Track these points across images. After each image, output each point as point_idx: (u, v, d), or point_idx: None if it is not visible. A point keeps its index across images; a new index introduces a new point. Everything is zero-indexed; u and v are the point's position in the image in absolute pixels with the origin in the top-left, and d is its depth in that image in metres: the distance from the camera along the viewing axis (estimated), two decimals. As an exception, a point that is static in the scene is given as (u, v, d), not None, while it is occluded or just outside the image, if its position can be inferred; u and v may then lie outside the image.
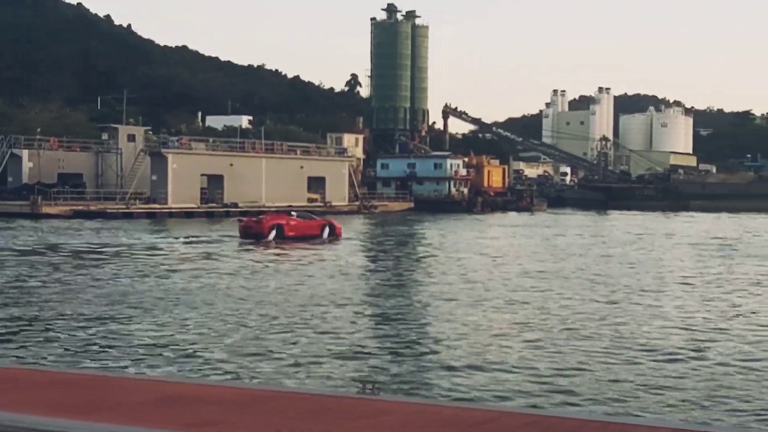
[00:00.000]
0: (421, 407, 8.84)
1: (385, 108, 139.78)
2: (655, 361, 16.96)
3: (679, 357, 17.38)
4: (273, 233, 50.78)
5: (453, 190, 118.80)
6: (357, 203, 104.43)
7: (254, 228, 51.26)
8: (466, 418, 8.08)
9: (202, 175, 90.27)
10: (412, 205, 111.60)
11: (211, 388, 9.61)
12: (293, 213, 56.45)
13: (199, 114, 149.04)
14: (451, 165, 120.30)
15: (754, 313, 24.09)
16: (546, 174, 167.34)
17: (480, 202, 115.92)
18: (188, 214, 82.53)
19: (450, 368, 16.04)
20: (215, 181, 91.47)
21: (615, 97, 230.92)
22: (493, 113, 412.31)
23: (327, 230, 53.42)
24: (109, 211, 78.66)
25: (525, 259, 41.43)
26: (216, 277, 31.62)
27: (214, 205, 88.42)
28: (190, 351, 17.62)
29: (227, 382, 12.67)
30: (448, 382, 14.85)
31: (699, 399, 13.82)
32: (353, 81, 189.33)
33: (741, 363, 16.84)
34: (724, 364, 16.63)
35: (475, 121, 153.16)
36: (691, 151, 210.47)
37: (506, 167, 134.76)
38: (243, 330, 20.10)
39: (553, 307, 24.47)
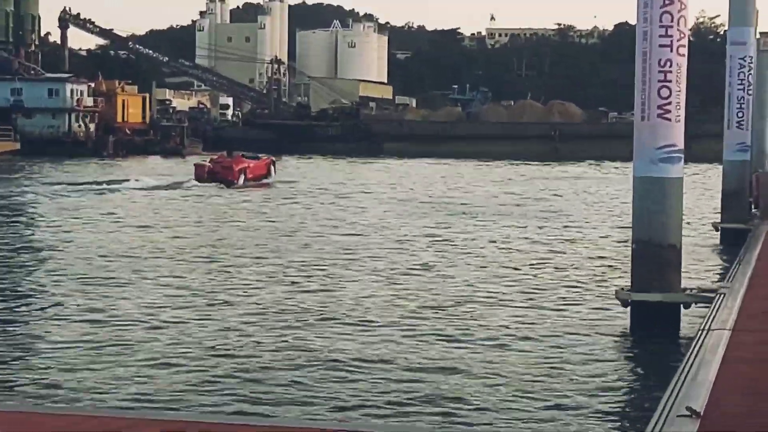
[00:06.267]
0: (24, 416, 8.95)
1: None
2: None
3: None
4: (242, 178, 59.68)
5: (75, 126, 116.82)
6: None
7: (222, 173, 59.05)
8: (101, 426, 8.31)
9: None
10: (18, 146, 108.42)
11: None
12: (241, 154, 64.54)
13: None
14: (72, 92, 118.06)
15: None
16: (201, 106, 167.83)
17: (112, 142, 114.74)
18: None
19: (68, 370, 16.14)
20: None
21: (290, 7, 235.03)
22: (131, 24, 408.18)
23: (272, 169, 64.68)
24: None
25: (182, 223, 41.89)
26: None
27: None
28: None
29: None
30: (72, 385, 14.95)
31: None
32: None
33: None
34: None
35: (105, 33, 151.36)
36: (385, 80, 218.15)
37: (148, 96, 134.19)
38: None
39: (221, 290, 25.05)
